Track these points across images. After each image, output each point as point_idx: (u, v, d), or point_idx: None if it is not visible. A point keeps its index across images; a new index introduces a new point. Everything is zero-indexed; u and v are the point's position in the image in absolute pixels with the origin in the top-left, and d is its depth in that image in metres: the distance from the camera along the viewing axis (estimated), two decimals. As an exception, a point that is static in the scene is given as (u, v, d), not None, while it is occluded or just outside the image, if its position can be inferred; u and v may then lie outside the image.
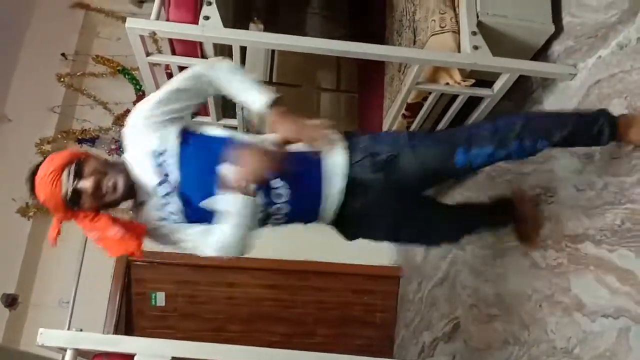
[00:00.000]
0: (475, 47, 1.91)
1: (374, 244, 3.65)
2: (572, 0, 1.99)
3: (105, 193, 1.33)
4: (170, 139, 1.37)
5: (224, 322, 3.73)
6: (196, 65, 1.47)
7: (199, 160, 1.37)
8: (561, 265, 1.87)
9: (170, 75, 2.19)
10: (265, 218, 1.43)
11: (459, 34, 1.98)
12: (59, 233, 1.38)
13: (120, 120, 3.52)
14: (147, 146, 1.37)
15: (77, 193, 1.30)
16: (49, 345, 1.50)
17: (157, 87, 2.18)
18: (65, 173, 1.31)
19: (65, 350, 1.51)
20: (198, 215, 1.39)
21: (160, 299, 3.66)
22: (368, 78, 3.08)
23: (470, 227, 2.02)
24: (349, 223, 1.56)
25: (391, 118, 2.27)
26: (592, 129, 1.55)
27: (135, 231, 1.34)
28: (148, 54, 1.97)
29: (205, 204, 1.36)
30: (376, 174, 1.46)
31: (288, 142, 1.41)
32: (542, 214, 1.99)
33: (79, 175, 1.31)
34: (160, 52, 2.06)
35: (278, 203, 1.41)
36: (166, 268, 3.63)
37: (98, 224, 1.33)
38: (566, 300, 1.82)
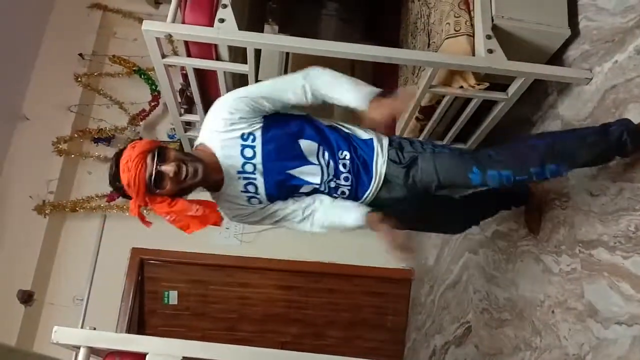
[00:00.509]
0: (490, 51, 1.91)
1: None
2: (589, 4, 1.98)
3: (185, 178, 1.43)
4: (256, 124, 1.54)
5: (236, 322, 3.76)
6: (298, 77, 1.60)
7: (279, 141, 1.54)
8: (574, 271, 1.86)
9: (185, 77, 2.22)
10: (333, 189, 1.61)
11: (473, 37, 1.97)
12: (142, 216, 1.48)
13: (135, 120, 3.56)
14: (236, 131, 1.52)
15: (160, 175, 1.41)
16: (63, 343, 1.52)
17: (172, 87, 2.21)
18: (149, 157, 1.41)
19: (78, 348, 1.53)
20: (279, 191, 1.57)
21: (172, 297, 3.69)
22: (382, 80, 3.07)
23: (484, 215, 2.15)
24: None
25: (404, 121, 2.26)
26: (616, 146, 1.58)
27: (211, 206, 1.50)
28: (164, 56, 1.99)
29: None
30: (399, 168, 1.60)
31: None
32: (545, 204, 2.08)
33: (161, 159, 1.42)
34: (175, 52, 2.08)
35: (344, 172, 1.59)
36: (179, 267, 3.67)
37: (176, 207, 1.44)
38: (579, 307, 1.81)
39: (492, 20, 1.98)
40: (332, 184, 1.60)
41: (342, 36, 3.28)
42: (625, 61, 1.74)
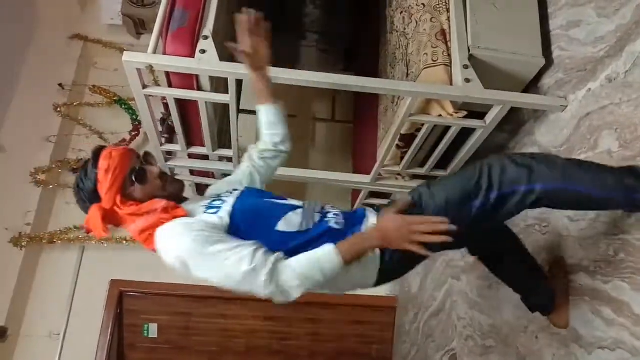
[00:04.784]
0: (467, 80, 1.94)
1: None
2: (562, 34, 2.04)
3: (164, 184, 1.42)
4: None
5: (217, 355, 3.67)
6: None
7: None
8: (557, 296, 1.86)
9: (166, 106, 2.22)
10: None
11: (451, 67, 2.01)
12: (104, 221, 1.36)
13: (115, 150, 3.53)
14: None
15: (143, 171, 1.40)
16: (38, 380, 1.47)
17: (153, 117, 2.21)
18: (135, 155, 1.44)
19: (54, 385, 1.48)
20: (247, 211, 1.39)
21: (152, 330, 3.61)
22: (363, 109, 3.11)
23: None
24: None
25: (385, 148, 2.28)
26: (624, 195, 1.40)
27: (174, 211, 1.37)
28: (145, 87, 1.99)
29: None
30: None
31: None
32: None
33: (147, 162, 1.44)
34: (157, 83, 2.08)
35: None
36: (159, 299, 3.59)
37: (144, 208, 1.36)
38: (563, 332, 1.81)
39: (469, 51, 2.03)
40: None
41: (322, 66, 3.33)
42: (598, 89, 1.79)
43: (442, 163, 2.39)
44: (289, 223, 1.39)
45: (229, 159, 2.47)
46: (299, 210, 1.43)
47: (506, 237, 1.82)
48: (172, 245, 1.28)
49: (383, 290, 3.74)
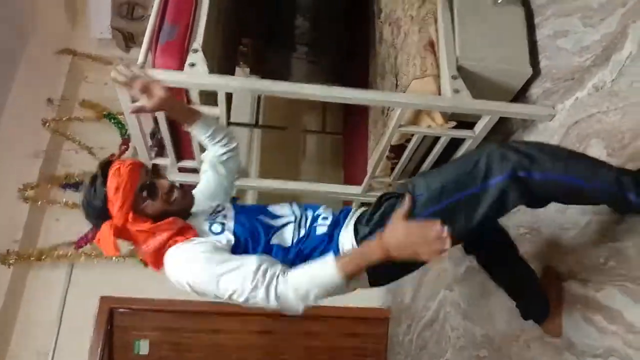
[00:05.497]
0: (456, 91, 1.96)
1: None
2: (548, 44, 2.06)
3: (175, 199, 1.40)
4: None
5: (210, 370, 3.63)
6: None
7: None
8: (549, 305, 1.86)
9: (156, 120, 2.21)
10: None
11: (439, 78, 2.02)
12: (116, 239, 1.35)
13: (105, 164, 3.51)
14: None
15: (153, 186, 1.38)
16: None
17: (143, 132, 2.19)
18: (143, 169, 1.40)
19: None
20: (249, 223, 1.43)
21: (144, 347, 3.55)
22: (353, 120, 3.12)
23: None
24: None
25: (375, 160, 2.29)
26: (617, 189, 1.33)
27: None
28: (134, 101, 1.98)
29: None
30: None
31: None
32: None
33: (156, 174, 1.45)
34: (146, 97, 2.07)
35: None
36: (150, 315, 3.55)
37: (160, 228, 1.35)
38: (555, 341, 1.81)
39: (457, 61, 2.04)
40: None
41: (312, 78, 3.33)
42: (585, 98, 1.80)
43: (433, 173, 2.39)
44: (282, 239, 1.43)
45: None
46: (290, 226, 1.46)
47: (503, 239, 1.81)
48: (184, 269, 1.32)
49: (376, 302, 3.73)
